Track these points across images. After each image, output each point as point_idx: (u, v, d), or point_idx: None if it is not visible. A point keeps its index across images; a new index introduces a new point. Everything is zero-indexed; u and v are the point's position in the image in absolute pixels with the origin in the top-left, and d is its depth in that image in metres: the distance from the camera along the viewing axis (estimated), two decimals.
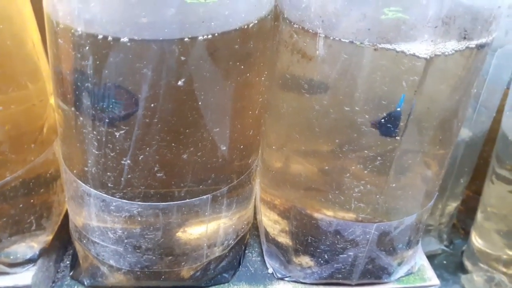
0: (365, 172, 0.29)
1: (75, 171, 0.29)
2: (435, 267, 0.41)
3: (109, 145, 0.26)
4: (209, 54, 0.24)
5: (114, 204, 0.28)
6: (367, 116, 0.27)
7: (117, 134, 0.25)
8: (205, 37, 0.23)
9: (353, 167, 0.29)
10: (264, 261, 0.37)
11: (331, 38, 0.25)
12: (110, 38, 0.22)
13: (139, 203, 0.28)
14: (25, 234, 0.32)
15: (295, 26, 0.27)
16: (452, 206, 0.51)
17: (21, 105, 0.28)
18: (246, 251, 0.38)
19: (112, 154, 0.26)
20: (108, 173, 0.27)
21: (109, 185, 0.27)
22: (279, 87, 0.30)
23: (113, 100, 0.24)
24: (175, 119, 0.25)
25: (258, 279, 0.35)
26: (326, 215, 0.31)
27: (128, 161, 0.26)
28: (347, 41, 0.25)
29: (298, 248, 0.34)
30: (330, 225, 0.31)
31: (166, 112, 0.25)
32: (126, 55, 0.22)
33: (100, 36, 0.22)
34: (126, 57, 0.23)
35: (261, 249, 0.38)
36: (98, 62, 0.23)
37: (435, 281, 0.36)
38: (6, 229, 0.30)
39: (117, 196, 0.28)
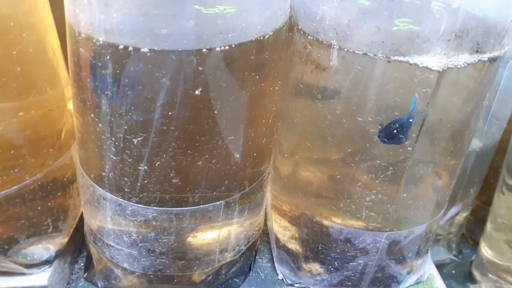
0: (377, 181, 0.29)
1: (92, 176, 0.29)
2: (444, 277, 0.41)
3: (126, 151, 0.26)
4: (226, 65, 0.24)
5: (129, 208, 0.29)
6: (379, 127, 0.27)
7: (134, 140, 0.26)
8: (222, 48, 0.24)
9: (364, 177, 0.29)
10: (274, 267, 0.37)
11: (345, 49, 0.26)
12: (130, 48, 0.23)
13: (154, 208, 0.29)
14: (42, 236, 0.32)
15: (309, 37, 0.28)
16: (462, 216, 0.51)
17: (40, 109, 0.29)
18: (256, 257, 0.38)
19: (129, 160, 0.27)
20: (125, 178, 0.28)
21: (126, 190, 0.28)
22: (293, 96, 0.31)
23: (132, 108, 0.25)
24: (191, 127, 0.26)
25: (268, 285, 0.36)
26: (336, 223, 0.32)
27: (145, 167, 0.27)
28: (360, 53, 0.26)
29: (308, 255, 0.34)
30: (341, 233, 0.32)
31: (182, 120, 0.25)
32: (146, 64, 0.23)
33: (120, 46, 0.23)
34: (145, 67, 0.23)
35: (271, 255, 0.38)
36: (118, 71, 0.24)
37: None
38: (24, 230, 0.31)
39: (133, 201, 0.28)
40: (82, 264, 0.37)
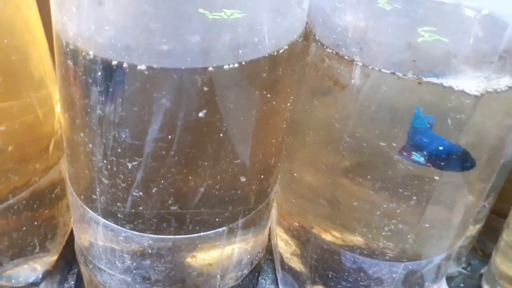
0: (397, 211, 0.26)
1: (82, 197, 0.27)
2: None
3: (120, 175, 0.23)
4: (234, 84, 0.21)
5: (123, 234, 0.26)
6: (405, 154, 0.24)
7: (129, 165, 0.23)
8: (231, 66, 0.21)
9: (384, 206, 0.26)
10: None
11: (370, 67, 0.23)
12: (125, 65, 0.20)
13: (150, 235, 0.26)
14: (28, 257, 0.30)
15: (328, 50, 0.24)
16: (475, 228, 0.49)
17: (25, 122, 0.26)
18: (259, 278, 0.36)
19: (123, 184, 0.24)
20: (118, 204, 0.25)
21: (119, 215, 0.25)
22: (306, 112, 0.28)
23: (126, 130, 0.22)
24: (193, 151, 0.23)
25: None
26: (349, 251, 0.29)
27: (140, 193, 0.24)
28: (388, 72, 0.22)
29: (316, 281, 0.32)
30: (354, 262, 0.29)
31: (183, 144, 0.22)
32: (143, 83, 0.20)
33: (114, 62, 0.20)
34: (142, 86, 0.20)
35: (275, 276, 0.36)
36: (110, 89, 0.21)
37: None
38: (7, 253, 0.28)
39: (127, 227, 0.26)
40: (72, 283, 0.34)
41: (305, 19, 0.24)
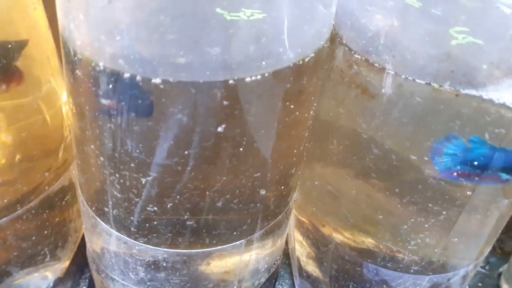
0: (425, 225, 0.25)
1: (93, 208, 0.25)
2: None
3: (133, 190, 0.22)
4: (256, 97, 0.20)
5: (137, 247, 0.25)
6: (437, 168, 0.22)
7: (143, 180, 0.22)
8: (253, 78, 0.19)
9: (412, 220, 0.25)
10: None
11: (403, 76, 0.21)
12: (138, 78, 0.18)
13: (165, 249, 0.25)
14: (39, 266, 0.29)
15: (356, 56, 0.23)
16: None
17: (31, 120, 0.25)
18: (276, 283, 0.35)
19: (136, 199, 0.23)
20: (131, 218, 0.24)
21: (132, 229, 0.24)
22: (329, 119, 0.26)
23: (140, 145, 0.20)
24: (211, 166, 0.21)
25: None
26: (372, 263, 0.28)
27: (155, 208, 0.23)
28: (423, 82, 0.21)
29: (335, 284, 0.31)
30: (377, 274, 0.28)
31: (201, 160, 0.21)
32: (158, 97, 0.19)
33: (126, 75, 0.18)
34: (157, 100, 0.19)
35: (292, 281, 0.35)
36: (123, 103, 0.19)
37: None
38: (17, 262, 0.27)
39: (141, 241, 0.25)
40: None
41: (332, 22, 0.22)
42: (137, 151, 0.20)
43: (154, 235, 0.24)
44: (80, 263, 0.34)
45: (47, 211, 0.27)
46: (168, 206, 0.22)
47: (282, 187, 0.25)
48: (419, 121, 0.22)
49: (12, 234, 0.26)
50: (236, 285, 0.29)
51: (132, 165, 0.21)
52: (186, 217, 0.23)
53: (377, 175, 0.24)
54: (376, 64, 0.22)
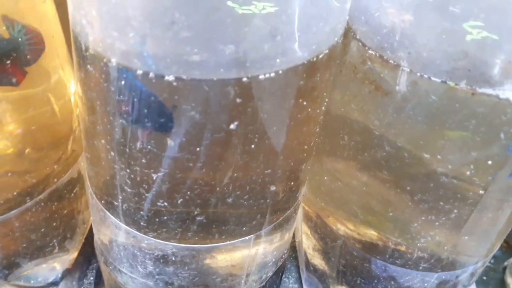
0: (436, 223, 0.25)
1: (103, 202, 0.25)
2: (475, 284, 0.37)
3: (144, 185, 0.22)
4: (270, 94, 0.19)
5: (146, 241, 0.25)
6: (450, 167, 0.22)
7: (153, 175, 0.21)
8: (267, 75, 0.19)
9: (423, 218, 0.25)
10: None
11: (418, 74, 0.21)
12: (151, 75, 0.18)
13: (174, 244, 0.25)
14: (47, 257, 0.29)
15: (370, 51, 0.22)
16: None
17: (40, 111, 0.24)
18: (283, 276, 0.35)
19: (146, 194, 0.22)
20: (141, 212, 0.24)
21: (142, 223, 0.24)
22: (341, 115, 0.26)
23: (152, 141, 0.20)
24: (223, 163, 0.21)
25: None
26: (381, 260, 0.28)
27: (165, 203, 0.23)
28: (438, 80, 0.20)
29: (343, 286, 0.31)
30: (385, 271, 0.28)
31: (212, 157, 0.21)
32: (171, 95, 0.18)
33: (139, 72, 0.18)
34: (170, 97, 0.18)
35: (299, 274, 0.35)
36: (135, 99, 0.19)
37: None
38: (26, 254, 0.27)
39: (150, 235, 0.25)
40: (92, 279, 0.33)
41: (347, 17, 0.22)
42: (149, 147, 0.20)
43: (164, 229, 0.24)
44: (88, 253, 0.34)
45: (56, 203, 0.27)
46: (179, 201, 0.22)
47: (292, 183, 0.25)
48: (433, 119, 0.21)
49: (21, 226, 0.26)
50: (244, 279, 0.29)
51: (143, 160, 0.21)
52: (196, 212, 0.23)
53: (388, 172, 0.24)
54: (390, 61, 0.21)
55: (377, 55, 0.22)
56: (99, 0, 0.17)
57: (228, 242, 0.25)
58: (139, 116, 0.19)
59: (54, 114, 0.25)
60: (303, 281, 0.34)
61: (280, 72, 0.19)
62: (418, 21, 0.20)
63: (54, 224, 0.28)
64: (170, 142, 0.20)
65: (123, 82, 0.19)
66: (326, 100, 0.24)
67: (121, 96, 0.19)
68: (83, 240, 0.32)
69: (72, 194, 0.29)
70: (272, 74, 0.19)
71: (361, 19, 0.23)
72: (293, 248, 0.36)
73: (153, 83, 0.18)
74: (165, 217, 0.23)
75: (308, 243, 0.33)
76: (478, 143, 0.21)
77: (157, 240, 0.25)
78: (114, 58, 0.18)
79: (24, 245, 0.27)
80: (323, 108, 0.24)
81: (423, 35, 0.20)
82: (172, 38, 0.17)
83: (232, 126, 0.20)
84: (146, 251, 0.26)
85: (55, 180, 0.27)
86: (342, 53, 0.24)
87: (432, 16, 0.19)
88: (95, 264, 0.34)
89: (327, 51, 0.20)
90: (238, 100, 0.19)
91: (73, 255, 0.31)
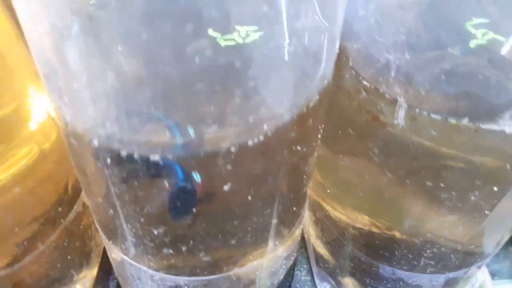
0: (441, 238, 0.25)
1: (110, 241, 0.26)
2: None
3: (147, 237, 0.22)
4: (260, 154, 0.19)
5: (157, 276, 0.26)
6: (453, 193, 0.22)
7: (155, 231, 0.21)
8: (255, 140, 0.18)
9: (428, 235, 0.25)
10: (314, 281, 0.35)
11: (417, 110, 0.20)
12: (136, 156, 0.17)
13: (185, 277, 0.25)
14: (68, 285, 0.30)
15: (364, 82, 0.21)
16: None
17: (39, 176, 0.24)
18: (295, 269, 0.36)
19: (151, 244, 0.23)
20: (148, 256, 0.24)
21: (151, 264, 0.25)
22: (338, 137, 0.25)
23: (147, 206, 0.20)
24: (221, 217, 0.21)
25: None
26: (389, 266, 0.28)
27: (170, 251, 0.23)
28: (439, 117, 0.19)
29: (355, 283, 0.32)
30: (393, 274, 0.29)
31: (209, 215, 0.20)
32: (158, 171, 0.18)
33: (123, 153, 0.17)
34: (158, 173, 0.18)
35: (309, 265, 0.36)
36: (122, 175, 0.18)
37: None
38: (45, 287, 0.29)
39: (161, 272, 0.25)
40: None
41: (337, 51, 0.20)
42: (143, 214, 0.20)
43: (173, 268, 0.25)
44: (106, 266, 0.35)
45: (67, 239, 0.28)
46: (183, 249, 0.23)
47: (294, 208, 0.25)
48: (435, 153, 0.20)
49: (37, 267, 0.27)
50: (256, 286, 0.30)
51: (142, 220, 0.21)
52: (201, 255, 0.23)
53: (389, 196, 0.24)
54: (387, 95, 0.20)
55: (372, 86, 0.21)
56: (66, 88, 0.16)
57: (237, 270, 0.26)
58: (129, 189, 0.19)
59: (43, 157, 0.25)
60: (314, 276, 0.35)
61: (270, 134, 0.18)
62: (415, 60, 0.18)
63: (69, 257, 0.29)
64: (163, 209, 0.20)
65: (108, 160, 0.18)
66: (322, 127, 0.23)
67: (108, 171, 0.19)
68: (100, 260, 0.33)
69: (81, 226, 0.29)
70: (261, 138, 0.18)
71: (353, 47, 0.21)
72: (302, 239, 0.37)
73: (139, 163, 0.17)
74: (172, 260, 0.24)
75: (317, 247, 0.33)
76: (483, 174, 0.21)
77: (168, 275, 0.25)
78: (96, 140, 0.17)
79: (43, 281, 0.28)
80: (319, 136, 0.23)
81: (421, 75, 0.18)
82: (153, 127, 0.16)
83: (225, 188, 0.19)
84: (158, 282, 0.26)
85: (62, 220, 0.27)
86: (336, 76, 0.23)
87: (430, 55, 0.18)
88: (114, 275, 0.36)
89: (317, 96, 0.19)
90: (228, 167, 0.18)
91: (92, 276, 0.32)
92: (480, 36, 0.19)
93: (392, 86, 0.20)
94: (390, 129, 0.21)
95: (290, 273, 0.34)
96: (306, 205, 0.28)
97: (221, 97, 0.16)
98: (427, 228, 0.25)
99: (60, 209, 0.27)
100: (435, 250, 0.25)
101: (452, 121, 0.19)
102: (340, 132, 0.24)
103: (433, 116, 0.19)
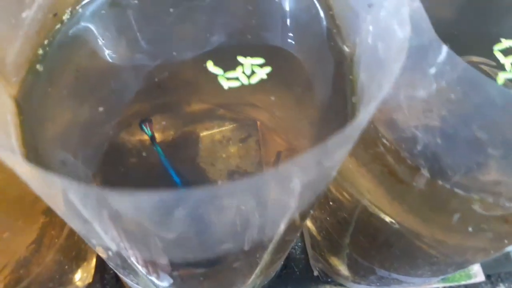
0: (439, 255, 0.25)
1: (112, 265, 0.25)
2: None
3: (153, 275, 0.22)
4: (267, 240, 0.17)
5: None
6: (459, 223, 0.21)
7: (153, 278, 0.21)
8: (265, 241, 0.16)
9: (431, 251, 0.25)
10: (308, 260, 0.36)
11: (440, 182, 0.18)
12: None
13: None
14: (67, 287, 0.30)
15: (384, 140, 0.19)
16: None
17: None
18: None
19: (156, 282, 0.22)
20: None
21: None
22: (355, 173, 0.23)
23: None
24: (221, 270, 0.20)
25: (304, 282, 0.35)
26: (385, 270, 0.29)
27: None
28: (462, 193, 0.18)
29: (350, 272, 0.33)
30: (389, 275, 0.29)
31: (208, 274, 0.20)
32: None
33: (114, 247, 0.16)
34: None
35: (304, 244, 0.36)
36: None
37: (481, 277, 0.36)
38: None
39: None
40: (111, 272, 0.35)
41: None
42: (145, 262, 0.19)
43: None
44: (101, 263, 0.35)
45: (62, 255, 0.27)
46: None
47: (298, 234, 0.25)
48: (452, 217, 0.19)
49: (38, 282, 0.27)
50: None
51: (139, 265, 0.20)
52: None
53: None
54: (408, 161, 0.18)
55: (393, 148, 0.19)
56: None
57: None
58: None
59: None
60: (309, 257, 0.36)
61: (281, 234, 0.16)
62: (448, 147, 0.16)
63: (67, 267, 0.28)
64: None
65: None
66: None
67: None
68: (95, 257, 0.33)
69: (76, 237, 0.28)
70: (273, 242, 0.17)
71: (376, 113, 0.18)
72: None
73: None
74: None
75: (314, 234, 0.34)
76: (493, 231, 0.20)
77: None
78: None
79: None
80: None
81: (451, 159, 0.17)
82: (162, 250, 0.14)
83: (235, 265, 0.18)
84: None
85: (56, 240, 0.26)
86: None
87: (463, 143, 0.16)
88: (111, 271, 0.35)
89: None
90: (240, 256, 0.17)
91: (90, 272, 0.32)
92: (509, 68, 0.18)
93: (416, 157, 0.18)
94: (406, 188, 0.20)
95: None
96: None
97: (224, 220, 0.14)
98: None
99: (53, 232, 0.25)
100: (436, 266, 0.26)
101: (475, 196, 0.18)
102: (356, 172, 0.23)
103: (457, 190, 0.18)
